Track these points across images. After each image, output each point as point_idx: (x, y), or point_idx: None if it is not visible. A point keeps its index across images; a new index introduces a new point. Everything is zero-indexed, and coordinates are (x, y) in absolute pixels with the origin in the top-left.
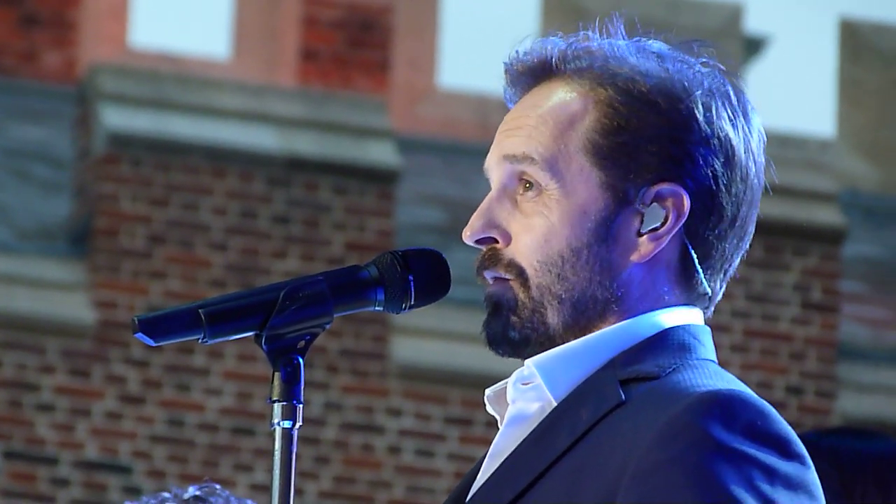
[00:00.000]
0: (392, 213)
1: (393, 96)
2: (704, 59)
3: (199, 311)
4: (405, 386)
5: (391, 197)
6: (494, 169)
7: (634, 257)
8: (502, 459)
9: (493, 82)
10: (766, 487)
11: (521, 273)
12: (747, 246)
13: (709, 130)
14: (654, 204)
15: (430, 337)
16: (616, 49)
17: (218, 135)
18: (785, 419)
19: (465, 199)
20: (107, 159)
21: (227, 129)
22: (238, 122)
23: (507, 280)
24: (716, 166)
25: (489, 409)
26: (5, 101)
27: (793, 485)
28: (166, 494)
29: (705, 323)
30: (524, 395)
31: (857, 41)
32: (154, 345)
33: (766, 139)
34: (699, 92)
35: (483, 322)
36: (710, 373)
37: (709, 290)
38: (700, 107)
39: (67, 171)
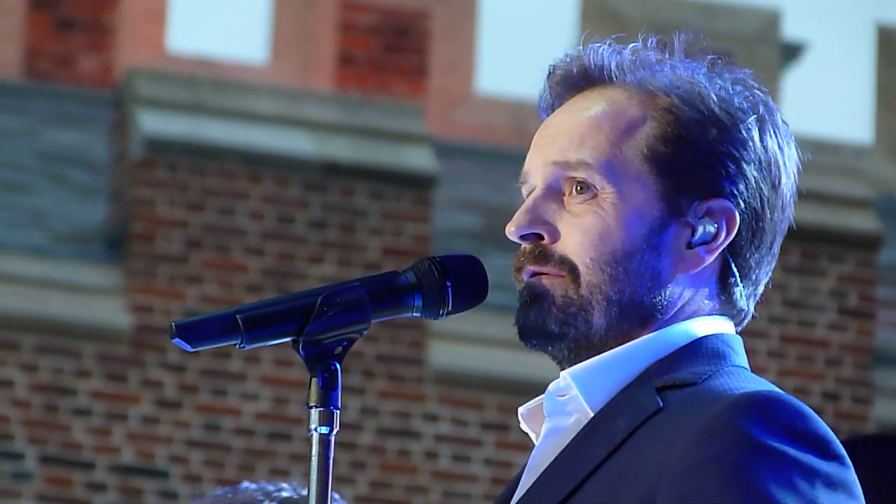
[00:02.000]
0: (428, 219)
1: (429, 101)
2: (756, 86)
3: (237, 316)
4: (442, 391)
5: (428, 202)
6: (537, 172)
7: (682, 268)
8: (541, 472)
9: (530, 87)
10: (805, 487)
11: (573, 269)
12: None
13: (763, 153)
14: (706, 218)
15: (467, 342)
16: (676, 64)
17: (254, 139)
18: None
19: (502, 205)
20: (143, 164)
21: (264, 133)
22: (274, 126)
23: (560, 276)
24: (764, 190)
25: (523, 426)
26: (42, 106)
27: (833, 484)
28: (254, 489)
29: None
30: (561, 407)
31: (893, 47)
32: (191, 350)
33: (799, 166)
34: (757, 114)
35: (518, 312)
36: (746, 378)
37: (745, 307)
38: (757, 128)
39: (104, 176)
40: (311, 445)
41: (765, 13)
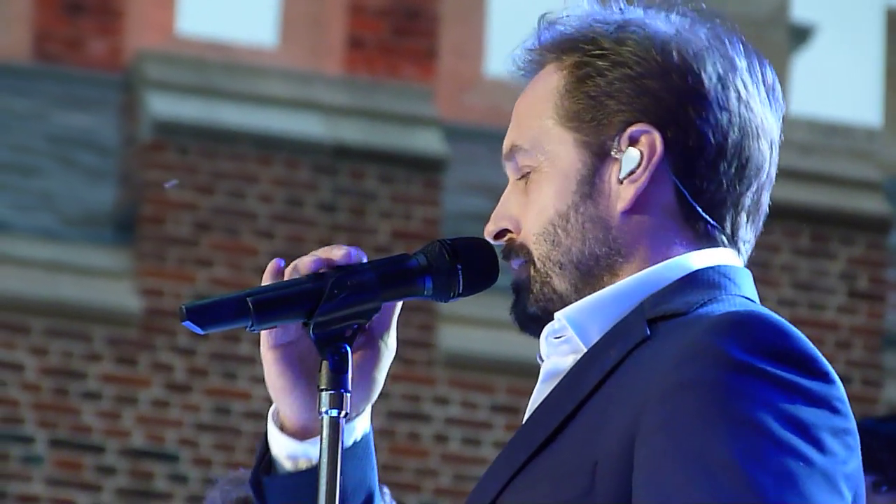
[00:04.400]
0: (438, 202)
1: (439, 84)
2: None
3: (247, 299)
4: (452, 374)
5: (438, 185)
6: (507, 169)
7: (620, 206)
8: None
9: None
10: (785, 404)
11: (528, 252)
12: (761, 178)
13: (666, 62)
14: (630, 149)
15: (477, 325)
16: (586, 12)
17: (264, 122)
18: None
19: None
20: (153, 147)
21: (274, 116)
22: (284, 109)
23: (525, 262)
24: (683, 98)
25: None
26: (51, 89)
27: (815, 400)
28: None
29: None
30: (557, 348)
31: None
32: (202, 333)
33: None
34: (655, 25)
35: (510, 310)
36: (738, 304)
37: (735, 234)
38: (652, 40)
39: (113, 159)
40: (321, 428)
41: None
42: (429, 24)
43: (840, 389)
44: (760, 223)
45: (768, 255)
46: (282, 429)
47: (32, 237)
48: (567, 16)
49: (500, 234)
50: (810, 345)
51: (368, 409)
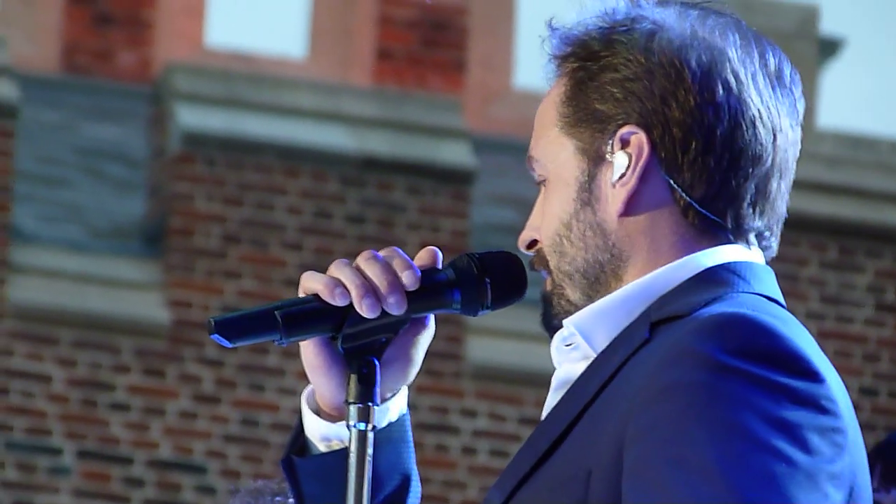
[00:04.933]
0: (467, 214)
1: (467, 96)
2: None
3: (276, 312)
4: (479, 386)
5: (466, 197)
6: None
7: (617, 209)
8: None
9: None
10: (767, 404)
11: (547, 263)
12: (762, 168)
13: (649, 62)
14: (619, 152)
15: (505, 337)
16: (588, 17)
17: (292, 134)
18: (858, 420)
19: None
20: (181, 158)
21: (302, 128)
22: (312, 121)
23: (546, 274)
24: (666, 96)
25: None
26: (80, 101)
27: (800, 399)
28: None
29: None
30: (569, 356)
31: None
32: (230, 346)
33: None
34: (643, 24)
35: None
36: (742, 302)
37: (718, 219)
38: (637, 41)
39: (142, 171)
40: (349, 442)
41: (803, 8)
42: (457, 36)
43: (830, 388)
44: (777, 212)
45: (796, 268)
46: (316, 412)
47: (61, 249)
48: (575, 21)
49: (530, 245)
50: (798, 344)
51: (404, 389)
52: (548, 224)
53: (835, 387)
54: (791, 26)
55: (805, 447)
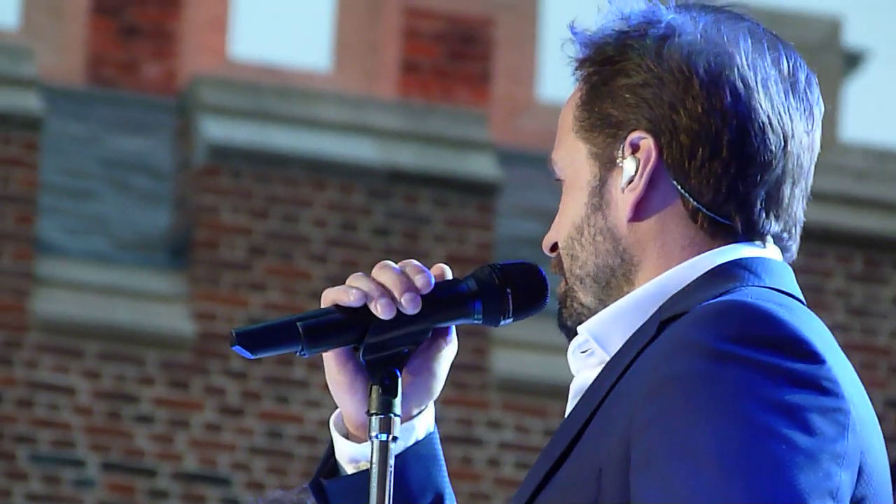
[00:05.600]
0: (492, 226)
1: (493, 109)
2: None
3: (297, 324)
4: (505, 398)
5: (491, 209)
6: None
7: (626, 213)
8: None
9: None
10: (766, 388)
11: (562, 267)
12: (773, 173)
13: (659, 68)
14: (629, 157)
15: (530, 349)
16: (606, 22)
17: (318, 147)
18: (883, 432)
19: None
20: (207, 171)
21: (328, 140)
22: (338, 133)
23: (561, 277)
24: (674, 102)
25: None
26: (106, 113)
27: (800, 381)
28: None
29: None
30: (586, 362)
31: None
32: (252, 358)
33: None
34: (656, 29)
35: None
36: (749, 294)
37: (729, 222)
38: (648, 46)
39: (167, 183)
40: (371, 453)
41: (827, 21)
42: (483, 49)
43: (831, 370)
44: (793, 216)
45: (821, 280)
46: (345, 435)
47: (86, 261)
48: (597, 26)
49: (552, 248)
50: (797, 327)
51: (431, 406)
52: (562, 227)
53: (838, 369)
54: (816, 39)
55: (806, 428)
